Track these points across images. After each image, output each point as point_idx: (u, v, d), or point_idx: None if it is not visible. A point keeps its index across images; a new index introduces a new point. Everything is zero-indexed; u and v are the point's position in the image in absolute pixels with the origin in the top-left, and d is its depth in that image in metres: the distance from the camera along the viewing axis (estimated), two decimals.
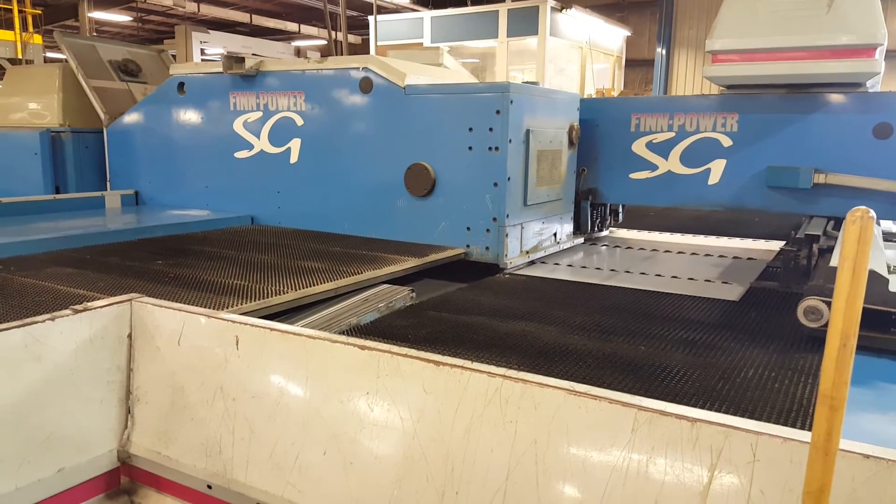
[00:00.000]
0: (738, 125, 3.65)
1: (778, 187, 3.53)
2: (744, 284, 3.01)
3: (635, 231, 4.57)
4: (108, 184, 4.61)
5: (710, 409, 1.68)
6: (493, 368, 1.06)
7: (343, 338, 1.21)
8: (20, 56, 10.75)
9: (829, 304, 2.20)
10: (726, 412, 1.67)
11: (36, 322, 1.28)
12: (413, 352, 1.14)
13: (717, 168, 3.75)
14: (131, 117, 4.45)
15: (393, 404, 1.12)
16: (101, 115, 4.59)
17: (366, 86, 3.53)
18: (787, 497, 0.81)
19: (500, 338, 2.21)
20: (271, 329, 1.27)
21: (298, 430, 1.20)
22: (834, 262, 2.45)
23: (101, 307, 1.40)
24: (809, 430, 1.58)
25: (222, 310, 2.08)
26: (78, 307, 1.37)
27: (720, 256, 3.73)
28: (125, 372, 1.41)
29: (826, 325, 2.23)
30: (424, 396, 1.09)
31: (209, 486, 1.26)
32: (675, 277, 3.12)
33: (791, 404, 1.74)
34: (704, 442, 0.90)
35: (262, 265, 2.81)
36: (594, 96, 10.49)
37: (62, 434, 1.28)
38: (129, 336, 1.43)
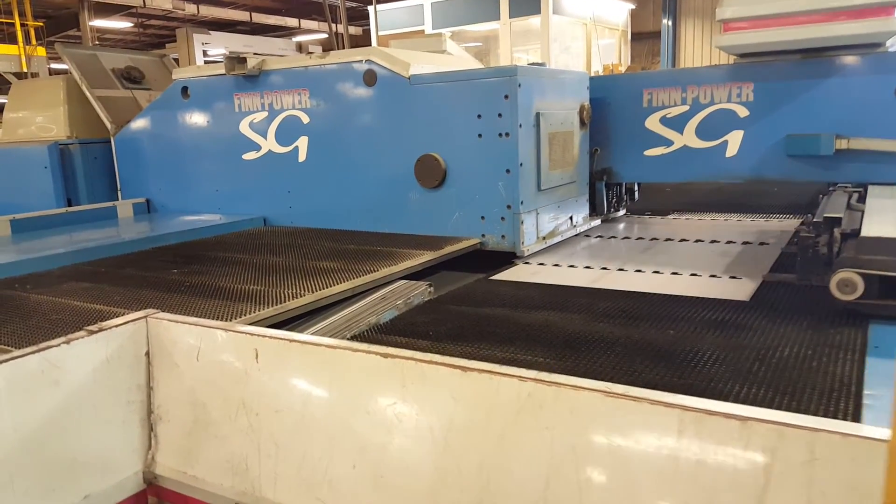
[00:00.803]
0: (754, 94, 3.55)
1: (799, 156, 3.43)
2: (755, 279, 2.70)
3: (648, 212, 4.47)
4: (119, 193, 4.60)
5: (748, 392, 1.63)
6: (523, 372, 1.01)
7: (364, 346, 1.17)
8: (25, 69, 10.79)
9: (863, 275, 2.12)
10: (766, 395, 1.63)
11: (51, 346, 1.25)
12: (438, 357, 1.10)
13: (734, 140, 3.65)
14: (137, 125, 4.43)
15: (421, 413, 1.08)
16: (108, 125, 4.58)
17: (370, 78, 3.47)
18: (851, 498, 0.76)
19: (523, 330, 2.16)
20: (290, 340, 1.23)
21: (325, 443, 1.16)
22: (867, 231, 2.36)
23: (117, 326, 1.37)
24: (855, 413, 1.52)
25: (239, 318, 2.06)
26: (93, 328, 1.34)
27: (728, 242, 3.43)
28: (145, 391, 1.38)
29: (861, 297, 2.17)
30: (453, 404, 1.05)
31: None
32: (676, 273, 2.84)
33: (833, 384, 1.68)
34: (757, 442, 0.85)
35: (277, 268, 2.78)
36: (601, 73, 10.32)
37: (85, 459, 1.26)
38: (147, 354, 1.40)
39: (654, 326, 2.13)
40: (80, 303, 2.30)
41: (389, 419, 1.11)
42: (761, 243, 3.36)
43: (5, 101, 5.20)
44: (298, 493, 1.16)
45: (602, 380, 1.79)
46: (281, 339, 1.25)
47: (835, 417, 1.54)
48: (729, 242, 3.40)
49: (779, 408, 1.58)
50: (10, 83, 6.34)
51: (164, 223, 4.03)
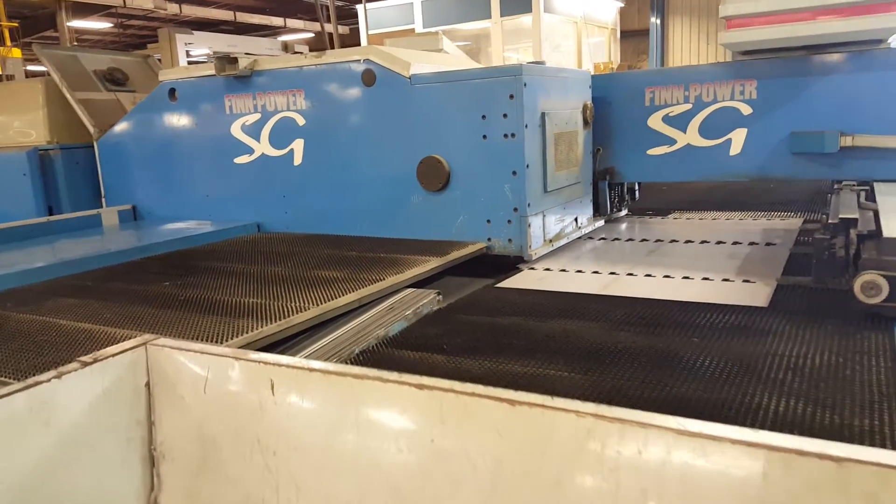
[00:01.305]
0: (758, 92, 3.48)
1: (803, 153, 3.36)
2: (769, 282, 2.59)
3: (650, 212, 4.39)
4: (103, 200, 4.43)
5: (786, 406, 1.53)
6: (579, 405, 0.90)
7: (395, 376, 1.05)
8: (0, 72, 10.51)
9: (887, 277, 2.05)
10: (805, 409, 1.53)
11: (40, 382, 1.12)
12: (481, 388, 0.98)
13: (738, 138, 3.57)
14: (122, 129, 4.27)
15: (464, 452, 0.97)
16: (90, 129, 4.41)
17: (368, 78, 3.35)
18: None
19: (541, 341, 2.06)
20: (311, 370, 1.12)
21: (353, 485, 1.05)
22: (889, 231, 2.29)
23: (113, 356, 1.24)
24: None
25: (241, 335, 1.93)
26: (86, 358, 1.22)
27: (734, 243, 3.33)
28: (146, 426, 1.26)
29: (885, 300, 2.10)
30: (500, 442, 0.94)
31: None
32: (688, 278, 2.72)
33: (872, 394, 1.60)
34: (856, 487, 0.75)
35: (277, 278, 2.65)
36: (592, 72, 10.26)
37: None
38: (147, 385, 1.28)
39: (676, 334, 2.04)
40: (67, 321, 2.16)
41: (426, 458, 1.00)
42: (768, 244, 3.29)
43: None
44: None
45: (633, 396, 1.72)
46: (300, 367, 1.13)
47: (882, 432, 1.46)
48: (735, 243, 3.32)
49: (822, 422, 1.49)
50: None
51: (151, 231, 3.88)
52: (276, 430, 1.14)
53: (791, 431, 1.37)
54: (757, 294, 2.44)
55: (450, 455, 0.98)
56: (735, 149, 3.58)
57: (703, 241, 3.41)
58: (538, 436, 0.91)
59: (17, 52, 11.22)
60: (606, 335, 2.07)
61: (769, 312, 2.20)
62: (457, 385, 1.01)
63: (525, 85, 2.95)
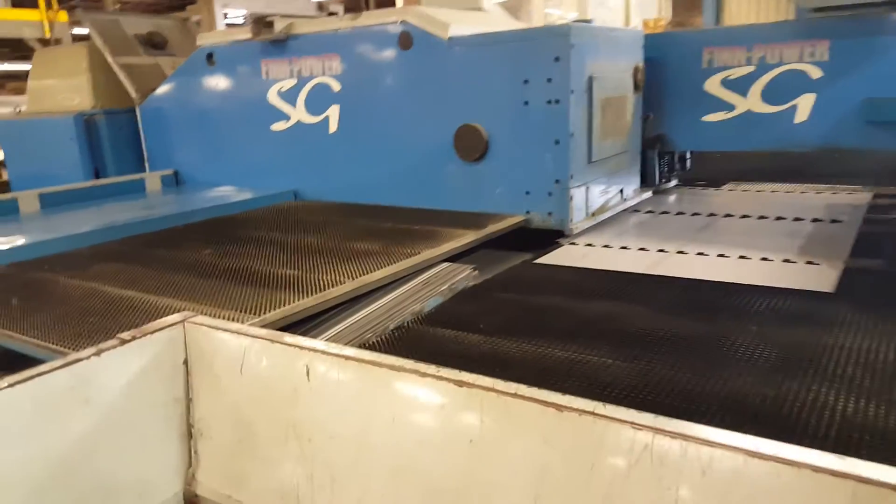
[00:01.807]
0: (830, 53, 3.23)
1: (878, 122, 3.13)
2: (835, 264, 2.41)
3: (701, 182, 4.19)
4: (146, 165, 4.46)
5: (855, 407, 1.41)
6: (636, 416, 0.83)
7: (434, 369, 0.99)
8: (48, 35, 10.65)
9: None
10: (878, 412, 1.38)
11: (80, 359, 1.11)
12: (525, 389, 0.92)
13: (804, 104, 3.34)
14: (162, 94, 4.26)
15: (504, 457, 0.91)
16: (132, 94, 4.41)
17: (405, 41, 3.23)
18: None
19: (584, 323, 1.98)
20: (346, 358, 1.07)
21: (387, 480, 1.00)
22: None
23: (152, 333, 1.22)
24: None
25: (279, 308, 1.91)
26: (125, 336, 1.19)
27: (795, 219, 3.12)
28: (184, 403, 1.24)
29: None
30: (545, 450, 0.87)
31: None
32: (744, 258, 2.55)
33: None
34: None
35: (313, 249, 2.61)
36: (641, 29, 9.81)
37: (120, 481, 1.13)
38: (185, 362, 1.25)
39: (732, 320, 1.92)
40: (112, 288, 2.17)
41: (464, 460, 0.94)
42: (833, 220, 3.07)
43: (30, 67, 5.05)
44: None
45: (683, 388, 1.62)
46: (336, 355, 1.08)
47: None
48: (797, 219, 3.12)
49: None
50: (34, 49, 6.19)
51: (192, 198, 3.89)
52: (311, 417, 1.10)
53: (862, 436, 1.26)
54: (821, 278, 2.27)
55: (489, 459, 0.92)
56: (801, 116, 3.36)
57: (760, 217, 3.21)
58: (587, 446, 0.84)
59: (63, 16, 11.32)
60: (655, 319, 1.97)
61: (835, 299, 2.04)
62: (499, 384, 0.94)
63: (572, 46, 2.80)
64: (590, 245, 2.91)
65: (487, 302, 2.22)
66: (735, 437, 0.77)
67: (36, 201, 3.48)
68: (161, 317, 1.32)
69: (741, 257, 2.58)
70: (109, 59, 4.47)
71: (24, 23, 10.68)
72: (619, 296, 2.19)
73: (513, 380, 1.66)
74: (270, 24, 3.58)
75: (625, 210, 3.48)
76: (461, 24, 3.16)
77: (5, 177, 5.06)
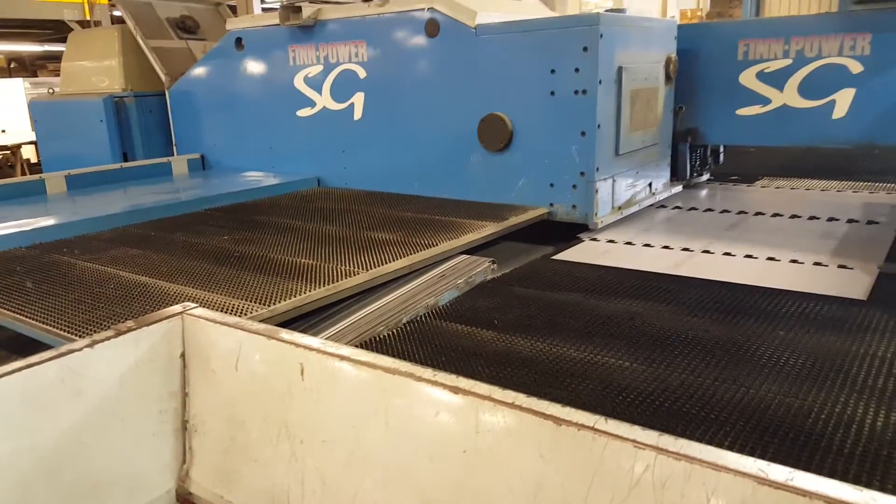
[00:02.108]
0: (872, 47, 3.08)
1: None
2: (869, 269, 2.29)
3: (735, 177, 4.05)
4: (174, 148, 4.49)
5: (885, 422, 1.33)
6: (638, 434, 0.77)
7: (430, 373, 0.95)
8: (88, 17, 10.82)
9: None
10: None
11: (73, 351, 1.09)
12: (523, 399, 0.87)
13: (843, 99, 3.21)
14: (192, 78, 4.28)
15: (498, 470, 0.86)
16: (162, 77, 4.44)
17: (432, 28, 3.17)
18: None
19: (601, 322, 1.91)
20: (341, 357, 1.03)
21: (380, 488, 0.96)
22: None
23: (148, 325, 1.19)
24: None
25: (288, 298, 1.88)
26: (121, 327, 1.17)
27: (830, 220, 2.98)
28: (179, 397, 1.22)
29: None
30: (541, 465, 0.82)
31: None
32: (773, 259, 2.44)
33: None
34: None
35: (331, 238, 2.59)
36: (678, 19, 9.57)
37: (111, 478, 1.11)
38: (182, 356, 1.23)
39: (758, 324, 1.84)
40: (126, 273, 2.17)
41: (458, 471, 0.89)
42: (869, 222, 2.93)
43: None
44: None
45: (703, 395, 1.55)
46: (330, 354, 1.04)
47: None
48: (831, 220, 2.99)
49: None
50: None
51: (217, 182, 3.90)
52: (303, 418, 1.06)
53: (891, 454, 1.19)
54: (854, 283, 2.16)
55: (483, 471, 0.87)
56: (839, 111, 3.22)
57: (793, 216, 3.08)
58: (585, 464, 0.79)
59: None
60: (676, 320, 1.89)
61: (868, 306, 1.94)
62: (496, 392, 0.89)
63: (601, 36, 2.71)
64: (611, 241, 2.83)
65: (503, 297, 2.17)
66: (744, 461, 0.72)
67: (63, 183, 3.52)
68: (172, 304, 1.30)
69: (769, 259, 2.47)
70: (141, 42, 4.50)
71: (65, 4, 10.88)
72: (640, 294, 2.12)
73: (524, 381, 1.63)
74: (299, 10, 3.55)
75: (652, 205, 3.38)
76: (489, 12, 3.09)
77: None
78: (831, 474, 1.17)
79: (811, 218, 3.02)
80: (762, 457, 1.23)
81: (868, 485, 1.14)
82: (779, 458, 1.23)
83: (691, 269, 2.38)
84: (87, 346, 1.11)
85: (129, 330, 1.17)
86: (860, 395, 1.43)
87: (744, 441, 1.29)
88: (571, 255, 2.67)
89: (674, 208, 3.37)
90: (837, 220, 2.97)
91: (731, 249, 2.59)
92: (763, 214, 3.15)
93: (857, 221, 2.94)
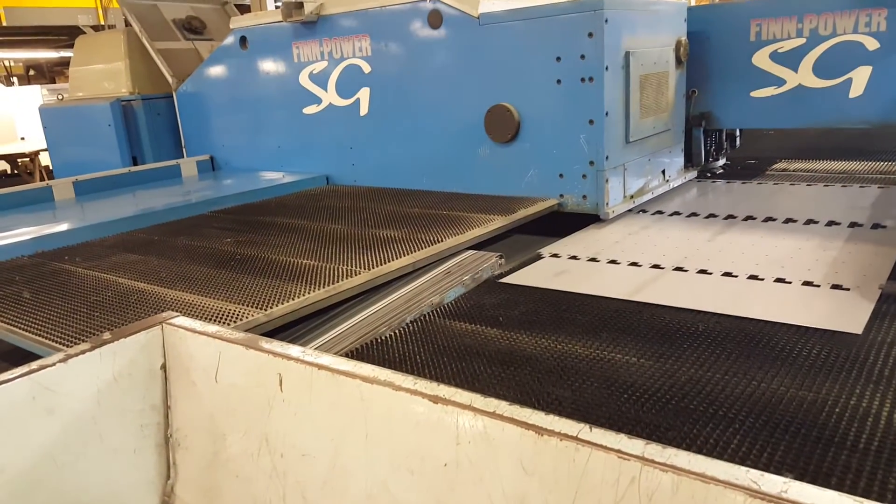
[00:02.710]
0: (888, 23, 2.97)
1: None
2: (868, 291, 1.87)
3: (752, 160, 3.90)
4: (183, 150, 4.49)
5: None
6: (624, 443, 0.71)
7: (410, 381, 0.90)
8: (102, 22, 10.90)
9: None
10: None
11: (45, 367, 1.05)
12: (505, 408, 0.81)
13: (860, 77, 3.09)
14: (198, 79, 4.26)
15: (480, 483, 0.81)
16: (169, 79, 4.44)
17: (435, 19, 3.11)
18: None
19: (610, 317, 1.85)
20: (319, 367, 0.98)
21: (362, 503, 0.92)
22: None
23: (126, 337, 1.16)
24: None
25: (286, 301, 1.84)
26: (97, 340, 1.14)
27: (830, 224, 2.56)
28: (162, 411, 1.18)
29: None
30: (524, 478, 0.77)
31: None
32: (755, 279, 2.03)
33: None
34: None
35: (335, 237, 2.55)
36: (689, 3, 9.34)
37: (90, 498, 1.08)
38: (163, 367, 1.19)
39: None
40: (126, 280, 2.15)
41: (438, 486, 0.84)
42: (875, 226, 2.51)
43: None
44: None
45: (711, 391, 1.48)
46: (308, 363, 0.99)
47: None
48: (831, 224, 2.58)
49: None
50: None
51: (225, 183, 3.89)
52: (283, 431, 1.02)
53: None
54: (848, 310, 1.77)
55: (465, 486, 0.82)
56: (856, 90, 3.11)
57: (787, 220, 2.67)
58: (568, 477, 0.73)
59: (116, 2, 11.58)
60: (686, 315, 1.82)
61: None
62: (477, 400, 0.84)
63: (606, 21, 2.62)
64: (574, 258, 2.43)
65: (510, 293, 2.12)
66: (735, 471, 0.66)
67: (70, 189, 3.53)
68: (169, 311, 1.27)
69: (751, 277, 2.08)
70: (147, 44, 4.50)
71: (79, 10, 10.98)
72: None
73: (526, 381, 1.58)
74: (301, 6, 3.51)
75: (668, 191, 3.27)
76: (493, 1, 3.02)
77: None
78: (845, 471, 1.11)
79: (808, 222, 2.63)
80: (772, 455, 1.18)
81: (884, 482, 1.08)
82: (790, 455, 1.16)
83: (653, 294, 1.98)
84: (60, 360, 1.08)
85: (106, 342, 1.14)
86: (876, 385, 1.36)
87: (753, 438, 1.23)
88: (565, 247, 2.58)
89: (654, 213, 2.99)
90: (838, 223, 2.58)
91: (708, 266, 2.21)
92: (754, 219, 2.74)
93: (860, 226, 2.54)
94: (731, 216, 2.83)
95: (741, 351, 1.58)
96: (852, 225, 2.57)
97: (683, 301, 1.92)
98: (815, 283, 1.99)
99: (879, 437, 1.20)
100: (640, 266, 2.29)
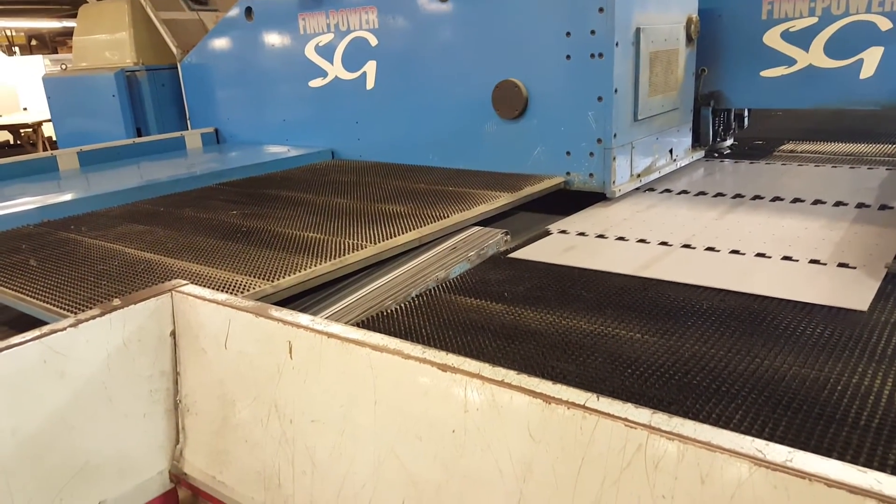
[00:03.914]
0: None
1: None
2: (874, 270, 1.89)
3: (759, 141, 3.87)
4: (188, 122, 4.47)
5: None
6: (631, 412, 0.72)
7: (419, 350, 0.91)
8: None
9: None
10: None
11: (56, 331, 1.06)
12: (513, 377, 0.82)
13: (871, 58, 3.06)
14: (203, 50, 4.23)
15: (488, 450, 0.82)
16: (174, 50, 4.40)
17: None
18: None
19: (614, 294, 1.85)
20: (329, 335, 0.99)
21: (369, 470, 0.93)
22: None
23: (136, 303, 1.16)
24: None
25: (292, 274, 1.85)
26: (107, 306, 1.15)
27: (837, 204, 2.57)
28: (171, 377, 1.19)
29: None
30: (532, 445, 0.78)
31: None
32: (762, 257, 2.06)
33: None
34: None
35: (341, 211, 2.55)
36: None
37: (100, 460, 1.09)
38: (173, 334, 1.20)
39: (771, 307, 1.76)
40: (132, 250, 2.16)
41: (446, 453, 0.86)
42: (882, 206, 2.51)
43: None
44: None
45: (714, 367, 1.49)
46: (317, 331, 1.00)
47: None
48: (838, 204, 2.59)
49: None
50: None
51: (230, 156, 3.88)
52: (293, 397, 1.03)
53: None
54: (854, 288, 1.78)
55: (473, 452, 0.83)
56: (867, 71, 3.08)
57: (795, 200, 2.69)
58: (575, 444, 0.75)
59: None
60: (692, 291, 1.83)
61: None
62: (485, 369, 0.84)
63: None
64: (582, 234, 2.44)
65: (516, 269, 2.12)
66: (740, 440, 0.66)
67: (75, 159, 3.53)
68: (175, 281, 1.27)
69: (758, 255, 2.09)
70: (151, 14, 4.46)
71: None
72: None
73: (530, 355, 1.59)
74: None
75: (675, 171, 3.26)
76: None
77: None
78: (845, 448, 1.12)
79: (816, 202, 2.65)
80: (774, 430, 1.19)
81: (884, 459, 1.09)
82: (791, 431, 1.17)
83: (660, 270, 2.00)
84: (70, 325, 1.09)
85: (116, 308, 1.15)
86: (878, 364, 1.37)
87: (755, 414, 1.24)
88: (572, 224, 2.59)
89: (662, 191, 3.23)
90: (845, 204, 2.59)
91: (716, 243, 2.22)
92: (762, 199, 2.75)
93: (867, 206, 2.55)
94: (738, 195, 2.83)
95: (745, 329, 1.59)
96: (860, 206, 2.57)
97: (691, 277, 1.93)
98: (821, 262, 2.00)
99: (880, 414, 1.21)
100: (648, 243, 2.29)
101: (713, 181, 3.17)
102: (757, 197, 2.79)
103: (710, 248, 2.19)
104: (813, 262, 2.01)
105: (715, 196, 2.86)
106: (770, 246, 2.16)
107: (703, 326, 1.61)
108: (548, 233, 2.50)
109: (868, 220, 2.40)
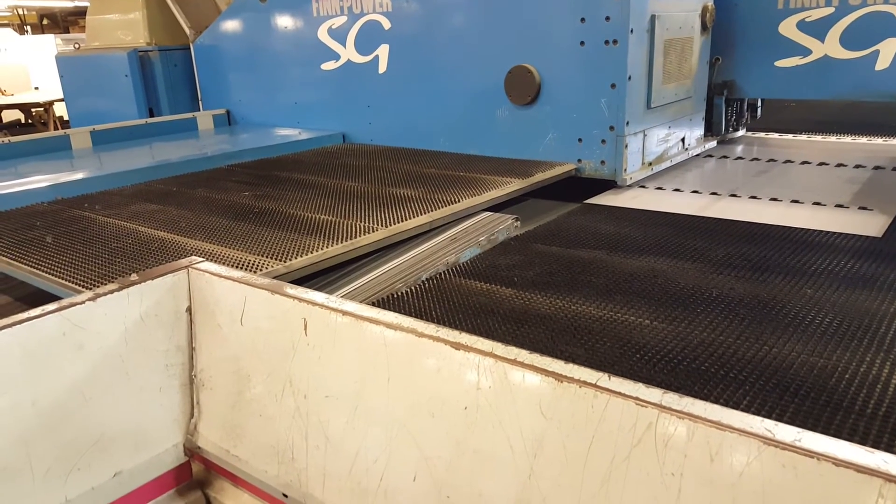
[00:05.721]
0: None
1: None
2: (888, 210, 2.39)
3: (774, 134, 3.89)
4: (200, 103, 4.48)
5: None
6: (642, 391, 0.73)
7: (432, 329, 0.92)
8: None
9: None
10: None
11: (75, 304, 1.08)
12: (525, 355, 0.83)
13: (888, 49, 3.03)
14: (216, 31, 4.23)
15: (499, 427, 0.84)
16: (187, 31, 4.40)
17: None
18: None
19: (624, 279, 1.86)
20: (343, 313, 1.00)
21: (382, 445, 0.95)
22: None
23: (153, 279, 1.18)
24: None
25: (304, 255, 1.86)
26: (125, 280, 1.17)
27: (857, 167, 3.09)
28: (187, 352, 1.21)
29: None
30: (543, 423, 0.79)
31: (285, 496, 1.06)
32: (797, 202, 2.58)
33: None
34: None
35: (352, 194, 2.56)
36: None
37: (116, 432, 1.12)
38: (189, 310, 1.22)
39: (785, 282, 1.78)
40: (145, 228, 2.18)
41: (459, 429, 0.87)
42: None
43: None
44: (350, 497, 0.97)
45: (723, 353, 1.50)
46: (332, 309, 1.02)
47: None
48: (858, 167, 3.08)
49: None
50: None
51: (242, 137, 3.89)
52: (307, 373, 1.05)
53: None
54: (871, 223, 2.24)
55: (484, 429, 0.85)
56: (883, 62, 3.05)
57: (820, 164, 3.17)
58: (586, 422, 0.76)
59: None
60: (701, 278, 1.83)
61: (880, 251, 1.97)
62: (498, 348, 0.86)
63: None
64: (643, 187, 2.90)
65: (526, 254, 2.13)
66: (750, 420, 0.68)
67: (88, 138, 3.55)
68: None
69: (794, 201, 2.59)
70: None
71: None
72: (666, 252, 2.06)
73: (540, 339, 1.60)
74: None
75: (687, 160, 3.26)
76: None
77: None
78: (851, 435, 1.13)
79: (838, 165, 3.13)
80: (780, 417, 1.20)
81: (890, 446, 1.10)
82: (798, 418, 1.18)
83: (715, 212, 2.46)
84: (89, 299, 1.11)
85: (134, 283, 1.17)
86: (887, 354, 1.37)
87: (762, 401, 1.25)
88: (600, 200, 2.71)
89: (705, 156, 3.32)
90: (863, 166, 3.09)
91: (758, 193, 2.71)
92: (792, 163, 3.24)
93: (882, 168, 3.07)
94: (772, 160, 3.27)
95: (754, 316, 1.59)
96: (877, 168, 3.04)
97: (739, 214, 2.38)
98: (844, 205, 2.47)
99: (887, 403, 1.22)
100: (700, 193, 2.75)
101: (741, 151, 3.54)
102: (788, 161, 3.24)
103: (752, 197, 2.66)
104: (838, 206, 2.48)
105: (751, 161, 3.29)
106: (801, 194, 2.64)
107: (712, 314, 1.62)
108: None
109: (886, 178, 2.87)
